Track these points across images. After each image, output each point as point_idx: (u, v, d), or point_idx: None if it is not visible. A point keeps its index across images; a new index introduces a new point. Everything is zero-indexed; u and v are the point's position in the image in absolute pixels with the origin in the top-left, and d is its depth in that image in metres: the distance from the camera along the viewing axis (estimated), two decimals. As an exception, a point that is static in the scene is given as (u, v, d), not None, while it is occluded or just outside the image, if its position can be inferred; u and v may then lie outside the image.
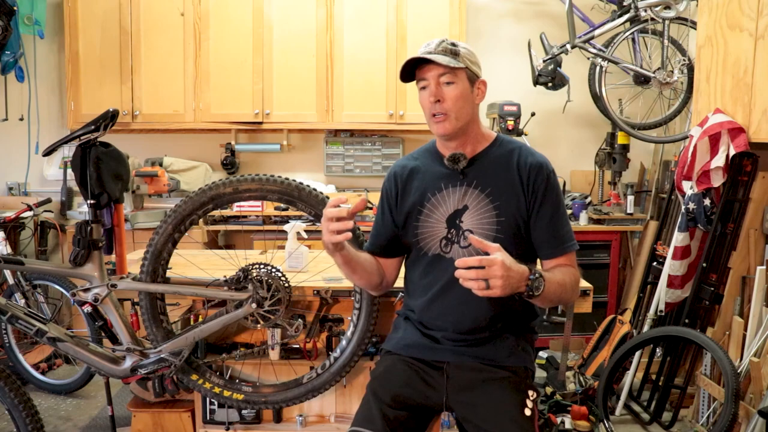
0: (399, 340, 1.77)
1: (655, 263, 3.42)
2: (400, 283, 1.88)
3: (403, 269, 1.86)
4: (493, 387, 1.63)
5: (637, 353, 3.16)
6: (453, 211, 1.67)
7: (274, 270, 2.00)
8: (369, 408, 1.63)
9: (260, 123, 4.11)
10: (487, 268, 1.38)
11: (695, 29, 3.34)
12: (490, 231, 1.64)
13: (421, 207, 1.71)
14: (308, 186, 1.99)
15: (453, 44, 1.62)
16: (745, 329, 2.78)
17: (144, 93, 4.07)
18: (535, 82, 3.83)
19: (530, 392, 1.64)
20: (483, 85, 1.69)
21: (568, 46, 3.73)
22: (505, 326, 1.69)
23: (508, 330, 1.69)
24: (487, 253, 1.43)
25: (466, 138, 1.68)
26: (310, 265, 2.35)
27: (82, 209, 3.98)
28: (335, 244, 1.57)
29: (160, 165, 4.06)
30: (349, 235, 1.54)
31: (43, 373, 3.42)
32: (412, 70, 1.65)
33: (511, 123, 3.91)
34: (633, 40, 3.80)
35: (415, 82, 1.68)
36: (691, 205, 3.00)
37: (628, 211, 4.04)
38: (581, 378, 3.27)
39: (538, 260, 1.73)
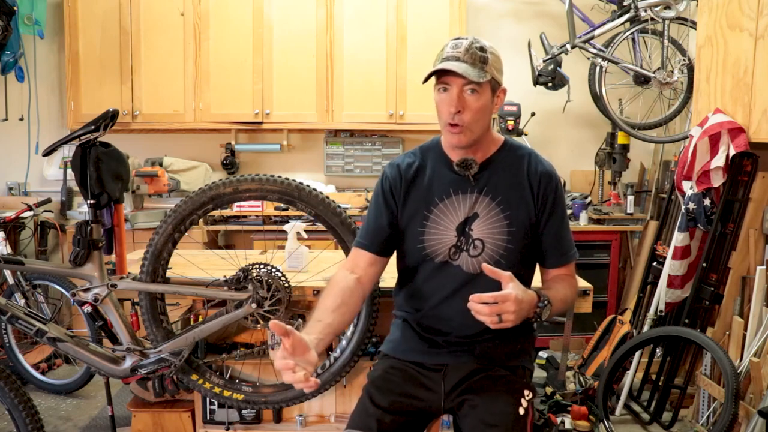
0: (397, 343, 1.75)
1: (655, 263, 3.42)
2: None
3: (395, 270, 1.80)
4: (489, 386, 1.63)
5: (637, 353, 3.16)
6: (463, 219, 1.63)
7: (274, 270, 2.00)
8: (365, 411, 1.62)
9: (260, 123, 4.11)
10: (500, 303, 1.39)
11: (695, 29, 3.34)
12: (501, 240, 1.62)
13: (428, 212, 1.65)
14: (308, 186, 1.99)
15: (482, 49, 1.53)
16: (745, 329, 2.78)
17: (144, 93, 4.07)
18: (535, 82, 3.83)
19: (526, 392, 1.63)
20: (503, 93, 1.61)
21: (568, 46, 3.73)
22: (506, 329, 1.68)
23: (507, 331, 1.67)
24: (498, 284, 1.44)
25: (479, 144, 1.63)
26: (310, 265, 2.35)
27: (82, 209, 3.98)
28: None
29: (160, 165, 4.06)
30: (307, 374, 1.33)
31: (43, 373, 3.42)
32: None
33: (511, 123, 3.91)
34: (633, 40, 3.80)
35: (432, 78, 1.59)
36: (691, 205, 3.00)
37: (628, 211, 4.04)
38: (581, 378, 3.27)
39: (538, 266, 1.73)
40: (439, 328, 1.68)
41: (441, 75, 1.55)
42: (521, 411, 1.58)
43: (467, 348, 1.67)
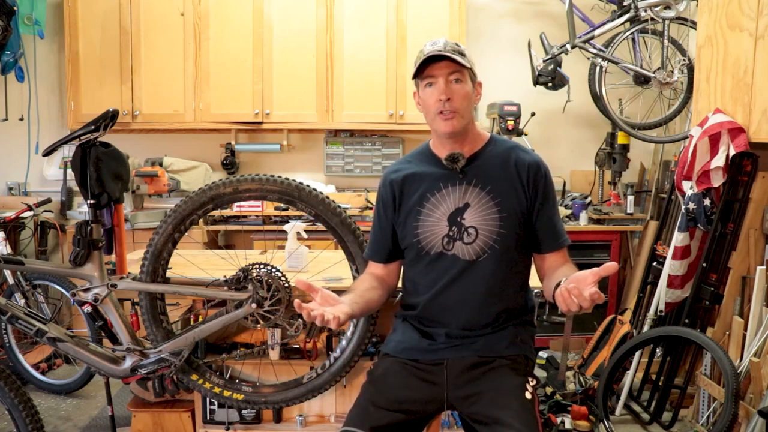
0: (398, 342, 1.77)
1: (655, 263, 3.42)
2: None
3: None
4: (493, 374, 1.65)
5: (637, 353, 3.16)
6: (454, 209, 1.69)
7: (274, 270, 2.00)
8: (362, 409, 1.64)
9: (260, 123, 4.11)
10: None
11: (695, 29, 3.34)
12: (494, 227, 1.67)
13: (421, 207, 1.72)
14: (308, 186, 1.99)
15: (456, 44, 1.67)
16: (745, 329, 2.78)
17: (144, 93, 4.07)
18: (535, 82, 3.83)
19: (530, 378, 1.66)
20: (480, 87, 1.74)
21: (568, 46, 3.73)
22: (506, 319, 1.72)
23: (507, 323, 1.72)
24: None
25: (465, 138, 1.71)
26: (310, 265, 2.35)
27: (82, 209, 3.98)
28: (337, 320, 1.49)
29: (160, 165, 4.06)
30: (339, 315, 1.47)
31: (43, 373, 3.42)
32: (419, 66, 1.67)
33: (511, 123, 3.90)
34: (633, 40, 3.80)
35: (416, 80, 1.70)
36: (691, 205, 3.00)
37: (628, 211, 4.04)
38: (581, 378, 3.27)
39: (534, 256, 1.78)
40: (440, 320, 1.72)
41: (426, 69, 1.65)
42: (528, 395, 1.60)
43: (467, 342, 1.69)
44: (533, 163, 1.72)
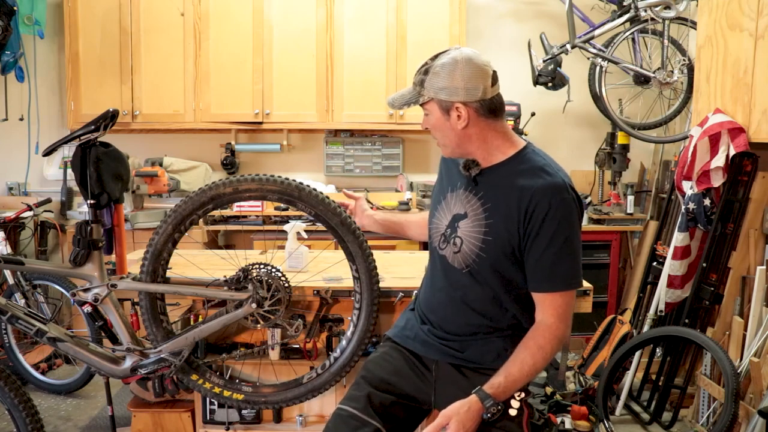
0: (400, 329, 1.81)
1: (655, 263, 3.42)
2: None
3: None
4: (472, 388, 1.60)
5: (637, 353, 3.16)
6: (456, 214, 1.67)
7: (274, 270, 2.00)
8: (357, 388, 1.68)
9: (260, 123, 4.11)
10: None
11: (695, 29, 3.35)
12: (475, 246, 1.61)
13: (442, 197, 1.73)
14: (308, 186, 1.98)
15: (426, 71, 1.56)
16: (745, 329, 2.78)
17: (144, 93, 4.07)
18: (535, 82, 3.83)
19: (516, 393, 1.60)
20: (463, 109, 1.54)
21: (568, 46, 3.73)
22: (493, 330, 1.67)
23: (495, 333, 1.67)
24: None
25: (481, 152, 1.62)
26: (310, 265, 2.35)
27: (82, 209, 3.98)
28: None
29: (160, 165, 4.06)
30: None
31: (43, 373, 3.42)
32: None
33: (510, 123, 3.90)
34: (633, 40, 3.80)
35: None
36: (691, 205, 3.00)
37: (628, 211, 4.05)
38: (581, 378, 3.27)
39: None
40: (429, 318, 1.74)
41: None
42: (512, 412, 1.58)
43: (454, 347, 1.68)
44: (539, 191, 1.51)
